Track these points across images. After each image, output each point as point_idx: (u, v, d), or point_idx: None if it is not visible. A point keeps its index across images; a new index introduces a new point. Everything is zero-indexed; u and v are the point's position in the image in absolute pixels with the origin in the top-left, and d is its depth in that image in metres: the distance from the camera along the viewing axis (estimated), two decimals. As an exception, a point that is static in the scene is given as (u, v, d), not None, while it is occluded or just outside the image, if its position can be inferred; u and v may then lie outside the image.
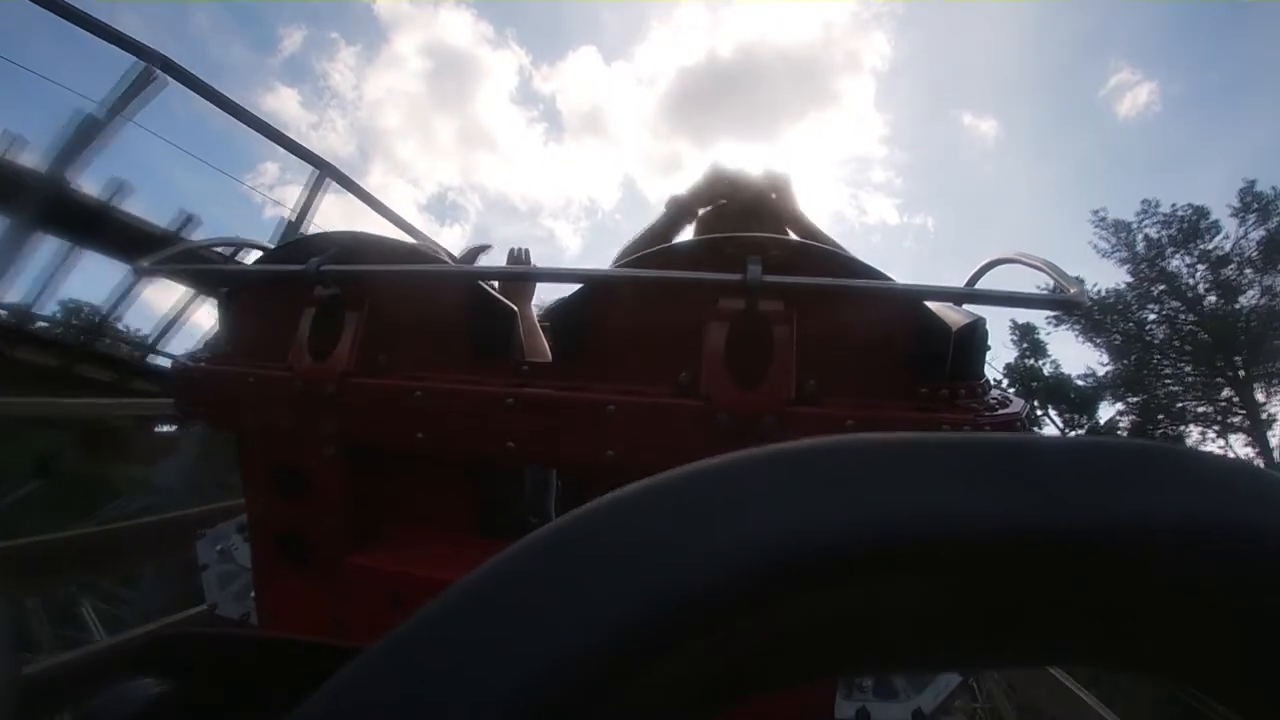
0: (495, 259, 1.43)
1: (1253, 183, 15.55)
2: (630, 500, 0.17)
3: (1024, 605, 0.17)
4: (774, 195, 1.11)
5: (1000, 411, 0.79)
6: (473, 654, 0.14)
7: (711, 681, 0.17)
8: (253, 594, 1.06)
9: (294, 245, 0.97)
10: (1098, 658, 0.19)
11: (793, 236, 1.08)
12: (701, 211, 1.16)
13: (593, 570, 0.15)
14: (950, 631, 0.18)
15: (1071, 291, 0.74)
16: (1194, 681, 0.18)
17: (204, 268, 1.05)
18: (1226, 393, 15.92)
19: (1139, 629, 0.17)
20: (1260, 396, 15.59)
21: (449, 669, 0.14)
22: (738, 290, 0.75)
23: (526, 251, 1.55)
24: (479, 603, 0.15)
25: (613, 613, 0.15)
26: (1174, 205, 16.18)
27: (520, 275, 0.94)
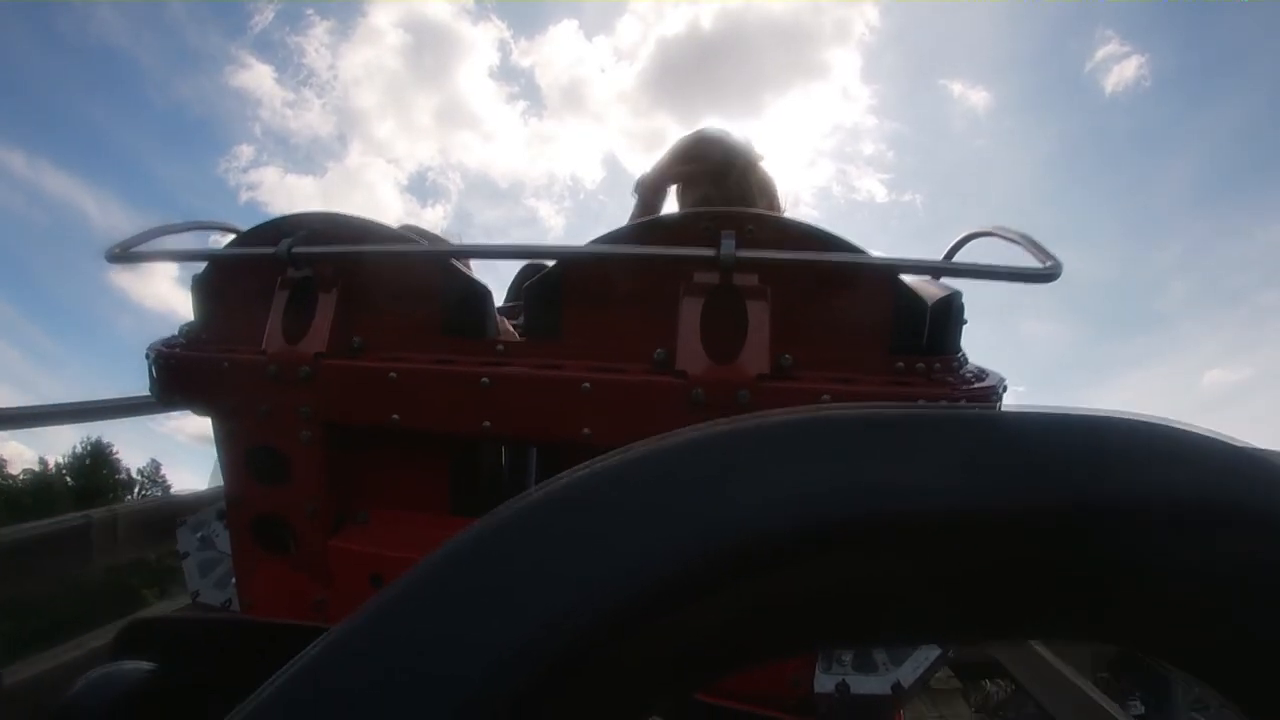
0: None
1: None
2: (598, 476, 0.16)
3: (997, 581, 0.17)
4: (742, 162, 1.14)
5: (976, 384, 0.79)
6: (441, 632, 0.14)
7: (688, 658, 0.17)
8: (234, 580, 1.06)
9: (267, 227, 0.95)
10: (1072, 632, 0.19)
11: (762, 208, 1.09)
12: (673, 186, 1.18)
13: (560, 548, 0.15)
14: (924, 607, 0.18)
15: (1047, 264, 0.75)
16: (1168, 656, 0.18)
17: (175, 251, 1.04)
18: None
19: (1111, 604, 0.17)
20: None
21: (417, 647, 0.14)
22: (712, 265, 0.75)
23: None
24: (447, 580, 0.15)
25: (582, 590, 0.14)
26: None
27: (494, 253, 0.94)
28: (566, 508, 0.16)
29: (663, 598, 0.15)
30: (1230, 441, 0.17)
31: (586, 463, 0.16)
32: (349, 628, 0.14)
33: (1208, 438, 0.17)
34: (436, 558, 0.15)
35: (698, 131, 1.14)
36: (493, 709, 0.13)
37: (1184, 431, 0.17)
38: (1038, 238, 0.82)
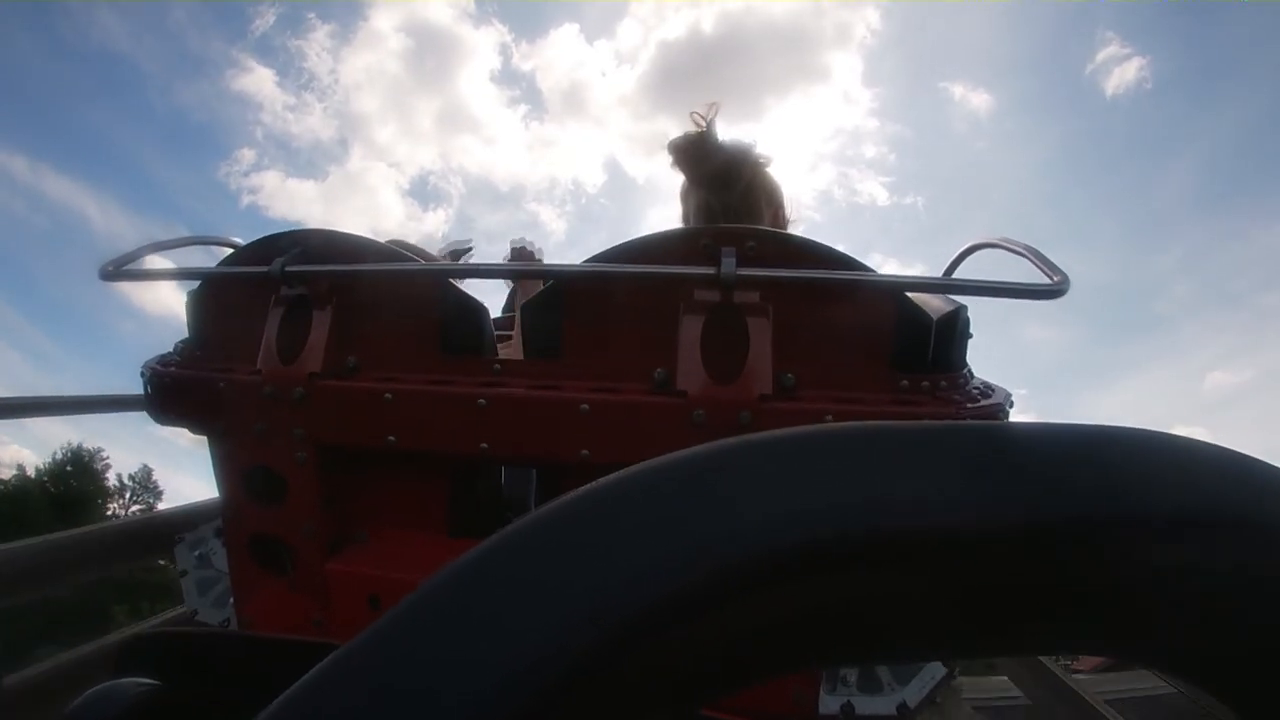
0: (492, 256, 1.40)
1: None
2: (598, 495, 0.16)
3: (1003, 596, 0.16)
4: (748, 169, 1.07)
5: (983, 402, 0.78)
6: (447, 651, 0.14)
7: (690, 676, 0.16)
8: (232, 599, 1.05)
9: (262, 244, 0.94)
10: (1077, 646, 0.19)
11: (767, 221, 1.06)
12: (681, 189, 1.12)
13: (562, 567, 0.15)
14: (930, 623, 0.17)
15: (1054, 279, 0.74)
16: (1175, 669, 0.18)
17: (168, 270, 1.03)
18: None
19: (1117, 618, 0.17)
20: None
21: (421, 666, 0.14)
22: (712, 283, 0.74)
23: (536, 248, 1.53)
24: (452, 600, 0.15)
25: (583, 610, 0.14)
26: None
27: (490, 272, 0.93)
28: (568, 526, 0.15)
29: (664, 616, 0.15)
30: (1240, 454, 0.16)
31: (599, 480, 0.16)
32: (354, 646, 0.14)
33: (1217, 449, 0.16)
34: (441, 577, 0.15)
35: (698, 132, 1.04)
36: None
37: (1193, 443, 0.17)
38: (1040, 243, 0.80)
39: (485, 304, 0.90)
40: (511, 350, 0.97)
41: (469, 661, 0.14)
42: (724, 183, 1.04)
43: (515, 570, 0.15)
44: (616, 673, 0.14)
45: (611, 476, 0.16)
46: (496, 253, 1.68)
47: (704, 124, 1.02)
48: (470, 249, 1.63)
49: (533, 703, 0.13)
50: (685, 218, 1.09)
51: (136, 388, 1.00)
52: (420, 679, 0.13)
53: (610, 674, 0.14)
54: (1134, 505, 0.15)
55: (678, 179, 1.10)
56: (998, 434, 0.17)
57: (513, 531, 0.16)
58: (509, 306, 1.65)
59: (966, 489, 0.15)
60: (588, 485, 0.16)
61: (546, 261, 1.57)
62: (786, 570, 0.15)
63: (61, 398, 2.04)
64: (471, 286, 0.95)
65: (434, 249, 1.51)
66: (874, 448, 0.16)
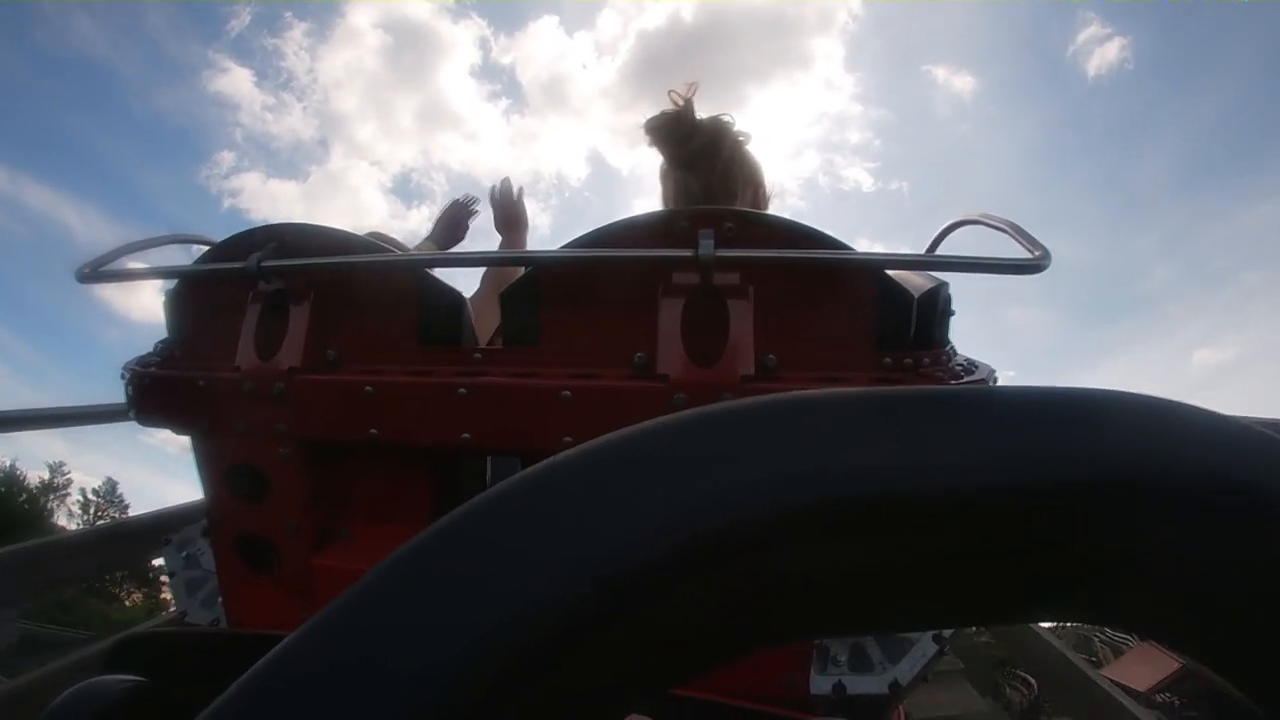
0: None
1: None
2: (562, 466, 0.16)
3: (995, 563, 0.16)
4: (727, 147, 1.06)
5: (966, 378, 0.78)
6: (410, 622, 0.14)
7: (667, 650, 0.16)
8: (220, 599, 1.04)
9: (238, 240, 0.93)
10: (1073, 614, 0.19)
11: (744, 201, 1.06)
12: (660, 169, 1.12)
13: (519, 542, 0.15)
14: (920, 592, 0.17)
15: (1035, 254, 0.74)
16: (1168, 638, 0.18)
17: (144, 269, 1.02)
18: None
19: (1114, 585, 0.16)
20: None
21: (384, 637, 0.14)
22: (690, 265, 0.74)
23: (520, 189, 1.66)
24: (416, 570, 0.15)
25: (552, 578, 0.14)
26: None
27: (467, 261, 0.92)
28: (531, 496, 0.15)
29: (638, 586, 0.14)
30: (1240, 420, 0.16)
31: (562, 454, 0.16)
32: (311, 625, 0.14)
33: (1217, 415, 0.16)
34: (407, 548, 0.15)
35: (675, 110, 1.03)
36: (460, 697, 0.13)
37: (1192, 409, 0.16)
38: (1024, 225, 0.81)
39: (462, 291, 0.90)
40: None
41: (433, 630, 0.13)
42: (702, 161, 1.04)
43: (480, 539, 0.15)
44: (589, 644, 0.14)
45: (588, 443, 0.16)
46: (483, 248, 1.74)
47: (681, 102, 1.01)
48: (476, 204, 1.81)
49: (500, 670, 0.13)
50: (665, 199, 1.09)
51: (120, 397, 0.99)
52: (381, 648, 0.13)
53: (582, 646, 0.14)
54: (1138, 471, 0.15)
55: (658, 161, 1.09)
56: (993, 397, 0.16)
57: (482, 500, 0.16)
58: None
59: (955, 453, 0.15)
60: (552, 459, 0.16)
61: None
62: (770, 538, 0.15)
63: (42, 411, 2.02)
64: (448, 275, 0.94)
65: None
66: (858, 411, 0.16)
